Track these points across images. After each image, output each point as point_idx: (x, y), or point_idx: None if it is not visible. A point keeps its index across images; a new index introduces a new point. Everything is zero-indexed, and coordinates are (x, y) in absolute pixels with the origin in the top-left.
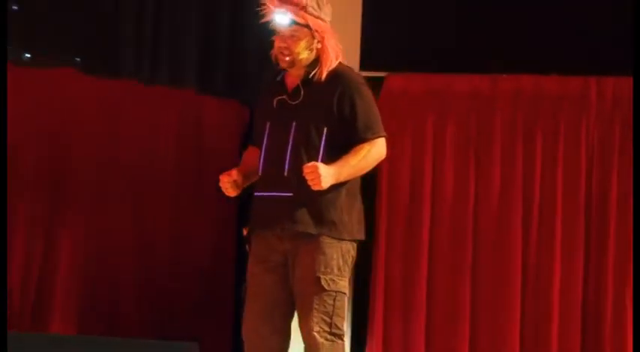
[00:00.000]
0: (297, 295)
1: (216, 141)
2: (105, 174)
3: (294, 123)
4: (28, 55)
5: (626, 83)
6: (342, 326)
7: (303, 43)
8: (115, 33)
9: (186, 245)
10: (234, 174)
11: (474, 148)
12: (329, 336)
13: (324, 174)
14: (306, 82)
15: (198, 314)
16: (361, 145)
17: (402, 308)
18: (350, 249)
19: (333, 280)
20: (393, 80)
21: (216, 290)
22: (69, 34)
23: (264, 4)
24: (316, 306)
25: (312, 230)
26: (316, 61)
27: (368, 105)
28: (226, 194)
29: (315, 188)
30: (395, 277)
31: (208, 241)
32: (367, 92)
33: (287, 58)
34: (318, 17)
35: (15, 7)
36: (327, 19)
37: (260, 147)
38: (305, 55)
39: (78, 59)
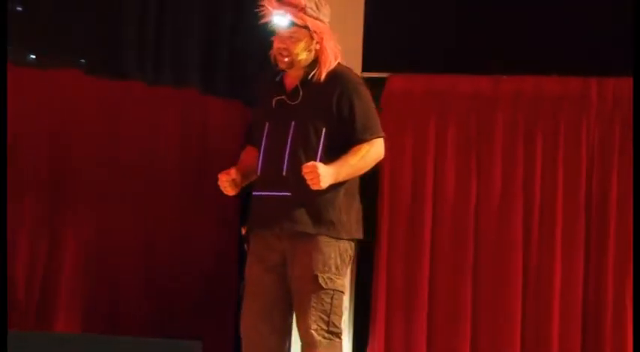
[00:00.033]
0: (295, 293)
1: (219, 142)
2: (109, 174)
3: (292, 123)
4: (33, 56)
5: (627, 84)
6: (340, 324)
7: (302, 44)
8: (119, 34)
9: (189, 245)
10: (233, 173)
11: (475, 148)
12: (326, 334)
13: (323, 174)
14: (305, 82)
15: (201, 313)
16: (360, 145)
17: (403, 308)
18: (348, 248)
19: (331, 278)
20: (395, 81)
21: (218, 289)
22: (73, 36)
23: (263, 6)
24: (314, 304)
25: (311, 230)
26: (315, 62)
27: (366, 105)
28: (225, 193)
29: (314, 187)
30: (397, 277)
31: (211, 241)
32: (366, 93)
33: (286, 59)
34: (317, 18)
35: (19, 8)
36: (326, 20)
37: (258, 147)
38: (304, 56)
39: (82, 60)
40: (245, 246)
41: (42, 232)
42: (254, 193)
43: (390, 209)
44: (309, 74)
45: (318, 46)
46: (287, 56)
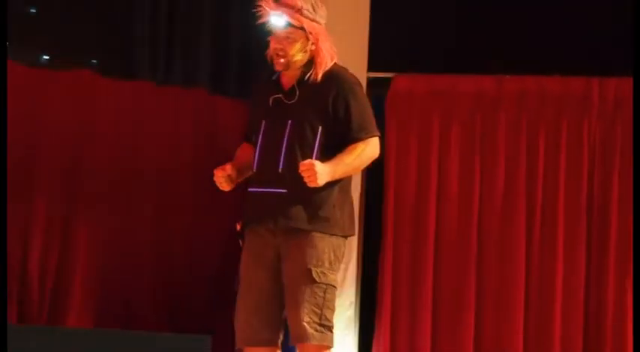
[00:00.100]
0: (288, 287)
1: (229, 141)
2: (121, 173)
3: (289, 122)
4: (46, 57)
5: (628, 84)
6: (332, 318)
7: (298, 45)
8: (129, 35)
9: (198, 242)
10: (229, 168)
11: (478, 147)
12: (319, 327)
13: (320, 172)
14: (302, 82)
15: (210, 308)
16: (355, 144)
17: (409, 303)
18: (341, 245)
19: (324, 273)
20: (400, 81)
21: (227, 285)
22: (84, 37)
23: (261, 6)
24: (307, 298)
25: (306, 226)
26: (311, 62)
27: (362, 105)
28: (220, 188)
29: (310, 185)
30: (402, 275)
31: (220, 238)
32: (361, 92)
33: (282, 60)
34: (313, 20)
35: (33, 10)
36: (322, 21)
37: (254, 144)
38: (299, 57)
39: (94, 61)
40: (240, 241)
41: (55, 230)
42: (249, 189)
43: (395, 206)
44: (306, 74)
45: (313, 47)
46: (283, 57)
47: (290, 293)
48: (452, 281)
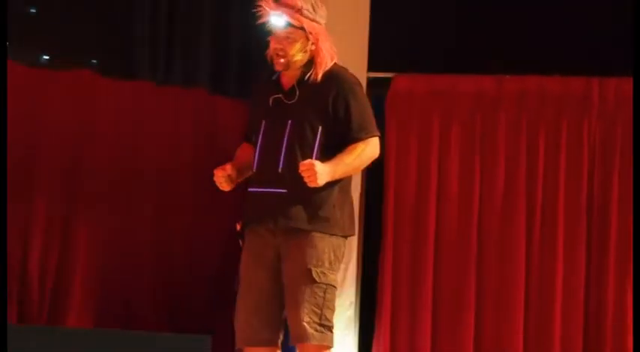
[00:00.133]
0: (288, 287)
1: (229, 141)
2: (121, 173)
3: (289, 122)
4: (46, 57)
5: (628, 84)
6: (332, 318)
7: (297, 45)
8: (129, 35)
9: (198, 242)
10: (229, 168)
11: (478, 148)
12: (319, 327)
13: (320, 172)
14: (302, 82)
15: (210, 308)
16: (355, 144)
17: (409, 303)
18: (341, 245)
19: (324, 273)
20: (400, 81)
21: (228, 285)
22: (84, 37)
23: (261, 6)
24: (307, 298)
25: (306, 226)
26: (311, 62)
27: (362, 105)
28: (220, 188)
29: (310, 185)
30: (402, 274)
31: (220, 238)
32: (361, 92)
33: (282, 60)
34: (313, 20)
35: (33, 10)
36: (322, 21)
37: (254, 144)
38: (299, 57)
39: (94, 61)
40: (240, 241)
41: (56, 230)
42: (249, 189)
43: (395, 206)
44: (306, 74)
45: (313, 47)
46: (283, 57)
47: (290, 293)
48: (452, 281)
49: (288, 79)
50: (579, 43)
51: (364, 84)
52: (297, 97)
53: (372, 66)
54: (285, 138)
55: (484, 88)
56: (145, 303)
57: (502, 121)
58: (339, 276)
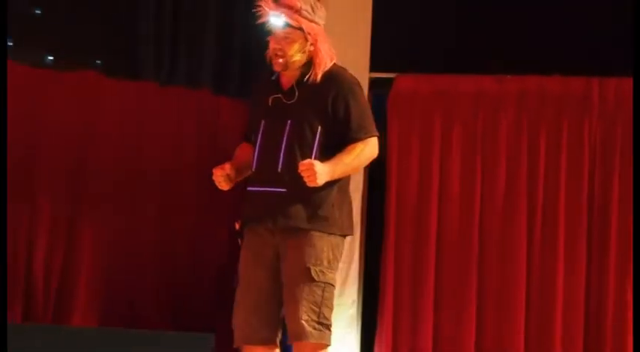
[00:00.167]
0: (286, 285)
1: (233, 141)
2: (125, 174)
3: (289, 122)
4: (51, 58)
5: (628, 84)
6: (330, 317)
7: (296, 46)
8: (133, 36)
9: (202, 241)
10: (228, 168)
11: (480, 147)
12: (317, 325)
13: (320, 171)
14: (301, 83)
15: (214, 306)
16: (354, 144)
17: (410, 301)
18: (339, 244)
19: (323, 272)
20: (402, 81)
21: (230, 285)
22: (90, 37)
23: (260, 6)
24: (305, 296)
25: (305, 225)
26: (310, 63)
27: (361, 105)
28: (219, 187)
29: (310, 185)
30: (404, 274)
31: (224, 238)
32: (361, 93)
33: (280, 60)
34: (312, 21)
35: (37, 11)
36: (321, 22)
37: (254, 144)
38: (298, 57)
39: (98, 62)
40: (239, 240)
41: (60, 230)
42: (249, 189)
43: (397, 205)
44: (305, 75)
45: (312, 48)
46: (281, 57)
47: (289, 291)
48: (453, 281)
49: (288, 79)
50: (579, 43)
51: (366, 84)
52: (296, 97)
53: (373, 66)
54: (285, 138)
55: (485, 87)
56: (149, 302)
57: (503, 121)
58: (342, 275)
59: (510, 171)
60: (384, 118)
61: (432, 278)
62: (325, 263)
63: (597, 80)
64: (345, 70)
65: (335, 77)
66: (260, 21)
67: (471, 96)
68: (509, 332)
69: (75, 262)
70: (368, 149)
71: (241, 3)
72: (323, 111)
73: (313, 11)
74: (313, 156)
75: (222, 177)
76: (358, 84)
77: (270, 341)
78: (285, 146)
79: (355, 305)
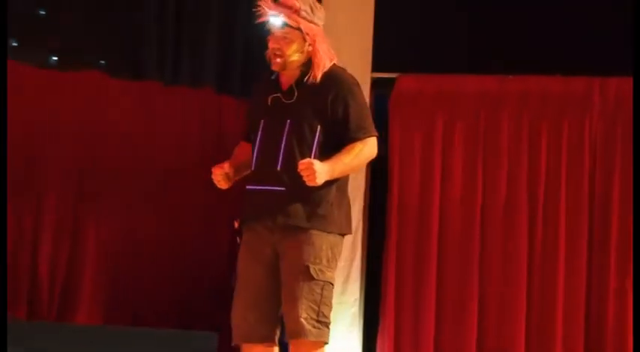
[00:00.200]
0: (285, 284)
1: (236, 141)
2: (130, 173)
3: (288, 121)
4: (55, 59)
5: (629, 84)
6: (329, 315)
7: (294, 46)
8: (137, 37)
9: (205, 240)
10: (226, 166)
11: (481, 147)
12: (316, 323)
13: (319, 171)
14: (300, 83)
15: (217, 305)
16: (354, 144)
17: (412, 299)
18: (338, 243)
19: (322, 270)
20: (404, 81)
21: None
22: (94, 37)
23: (260, 6)
24: (305, 294)
25: (304, 224)
26: (309, 63)
27: (360, 105)
28: (218, 186)
29: (309, 184)
30: (406, 273)
31: (228, 237)
32: (360, 93)
33: (278, 60)
34: (310, 21)
35: (42, 12)
36: (320, 23)
37: (253, 143)
38: (296, 58)
39: (102, 62)
40: (237, 238)
41: (65, 228)
42: (248, 187)
43: (399, 204)
44: (305, 75)
45: (310, 48)
46: (280, 57)
47: (287, 289)
48: (455, 279)
49: (287, 79)
50: (580, 43)
51: (368, 84)
52: (295, 97)
53: (375, 66)
54: (284, 137)
55: (486, 88)
56: (154, 301)
57: (504, 121)
58: (344, 273)
59: (511, 171)
60: (386, 118)
61: (434, 277)
62: (324, 261)
63: (598, 80)
64: (344, 70)
65: (334, 77)
66: (260, 20)
67: (473, 96)
68: (511, 330)
69: (79, 260)
70: (367, 149)
71: (243, 4)
72: (322, 111)
73: (312, 12)
74: (312, 156)
75: (220, 176)
76: (357, 84)
77: (268, 339)
78: (285, 145)
79: (357, 303)
